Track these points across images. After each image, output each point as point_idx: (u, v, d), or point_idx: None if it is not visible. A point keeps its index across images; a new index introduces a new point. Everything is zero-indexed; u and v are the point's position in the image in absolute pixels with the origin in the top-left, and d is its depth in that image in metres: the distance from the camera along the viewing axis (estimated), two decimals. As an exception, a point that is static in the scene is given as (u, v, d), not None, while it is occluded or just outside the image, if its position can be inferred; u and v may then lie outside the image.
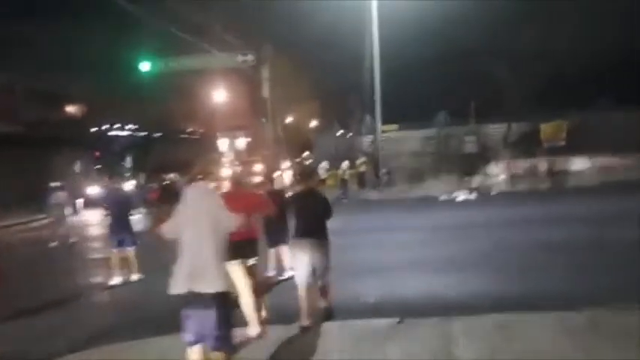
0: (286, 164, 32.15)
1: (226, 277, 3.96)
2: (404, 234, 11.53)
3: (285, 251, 7.76)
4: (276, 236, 7.81)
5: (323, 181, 22.78)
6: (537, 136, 25.12)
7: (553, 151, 23.95)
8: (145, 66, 22.98)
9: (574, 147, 23.78)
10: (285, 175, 11.81)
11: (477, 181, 21.65)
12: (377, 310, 6.18)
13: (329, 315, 5.70)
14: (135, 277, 8.69)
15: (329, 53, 25.31)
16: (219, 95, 34.29)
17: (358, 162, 23.74)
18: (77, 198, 22.00)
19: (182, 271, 3.71)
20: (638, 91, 23.98)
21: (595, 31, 24.02)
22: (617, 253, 7.89)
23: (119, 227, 8.74)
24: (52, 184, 20.60)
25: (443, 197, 18.88)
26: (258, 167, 31.53)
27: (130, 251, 8.72)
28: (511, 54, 25.95)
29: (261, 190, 7.63)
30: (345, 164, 21.27)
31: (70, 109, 35.09)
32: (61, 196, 20.23)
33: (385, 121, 24.37)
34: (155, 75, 24.80)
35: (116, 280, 8.57)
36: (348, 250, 9.37)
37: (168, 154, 33.01)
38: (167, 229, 3.93)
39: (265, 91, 23.84)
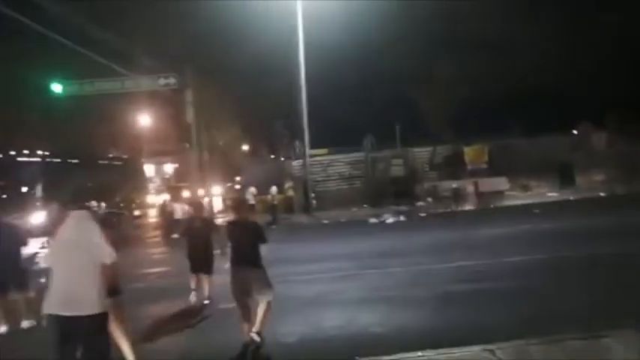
0: (215, 190, 31.18)
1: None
2: (331, 263, 11.07)
3: (205, 279, 8.17)
4: (199, 263, 8.19)
5: (252, 206, 22.09)
6: (461, 159, 25.87)
7: (476, 173, 24.74)
8: (57, 87, 21.49)
9: (495, 169, 24.74)
10: (213, 202, 11.45)
11: (404, 203, 21.85)
12: (297, 352, 5.69)
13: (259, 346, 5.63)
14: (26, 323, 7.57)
15: (258, 78, 25.16)
16: (143, 119, 33.03)
17: (286, 186, 23.27)
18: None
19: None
20: (546, 118, 25.63)
21: (511, 58, 25.38)
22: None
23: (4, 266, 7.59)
24: None
25: (372, 220, 18.79)
26: (186, 194, 30.41)
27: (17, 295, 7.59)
28: (432, 79, 26.85)
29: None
30: (274, 189, 20.73)
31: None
32: None
33: (314, 146, 24.21)
34: (68, 98, 23.34)
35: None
36: (289, 284, 8.88)
37: (86, 181, 30.96)
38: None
39: (189, 116, 22.96)
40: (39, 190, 27.21)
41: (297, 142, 23.81)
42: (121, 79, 22.18)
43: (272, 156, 32.93)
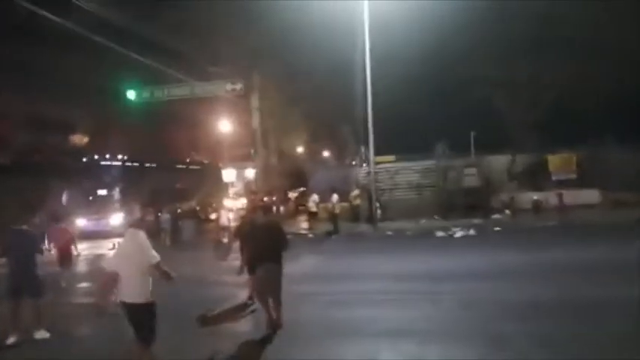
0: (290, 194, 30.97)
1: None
2: (376, 283, 10.04)
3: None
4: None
5: (314, 214, 21.44)
6: (544, 169, 23.61)
7: (562, 185, 22.44)
8: (131, 94, 22.31)
9: (584, 180, 22.31)
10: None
11: (477, 215, 20.16)
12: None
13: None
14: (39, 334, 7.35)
15: (324, 82, 24.30)
16: (220, 125, 33.44)
17: (352, 194, 22.35)
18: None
19: None
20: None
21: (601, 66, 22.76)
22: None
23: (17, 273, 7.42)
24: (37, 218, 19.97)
25: (439, 233, 17.41)
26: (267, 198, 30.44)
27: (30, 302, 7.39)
28: (513, 83, 24.76)
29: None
30: (335, 197, 19.89)
31: (64, 138, 34.63)
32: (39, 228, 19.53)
33: (382, 152, 23.14)
34: (142, 104, 24.12)
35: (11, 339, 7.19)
36: (322, 304, 8.47)
37: (162, 185, 32.07)
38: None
39: (254, 121, 22.83)
40: (117, 193, 28.36)
41: (363, 149, 22.83)
42: (190, 85, 22.53)
43: (338, 162, 32.27)
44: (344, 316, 7.78)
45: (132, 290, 5.13)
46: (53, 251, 11.88)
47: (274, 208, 28.13)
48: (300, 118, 27.13)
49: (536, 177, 23.73)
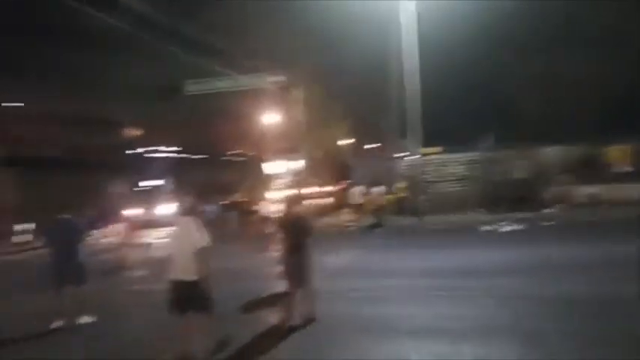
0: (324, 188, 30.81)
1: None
2: (412, 279, 9.77)
3: None
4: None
5: (358, 206, 21.19)
6: (601, 160, 22.36)
7: (619, 178, 21.19)
8: (180, 87, 22.85)
9: None
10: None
11: (527, 209, 19.36)
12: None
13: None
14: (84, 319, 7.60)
15: (368, 72, 23.95)
16: (266, 117, 33.62)
17: (397, 187, 21.98)
18: (110, 221, 21.87)
19: None
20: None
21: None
22: None
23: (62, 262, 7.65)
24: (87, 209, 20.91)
25: (485, 228, 16.83)
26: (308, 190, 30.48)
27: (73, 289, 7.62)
28: (566, 73, 23.56)
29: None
30: (379, 190, 19.59)
31: (113, 133, 35.89)
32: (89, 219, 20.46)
33: (427, 143, 22.57)
34: (194, 97, 24.64)
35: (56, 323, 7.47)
36: (357, 300, 8.35)
37: (207, 176, 32.70)
38: None
39: (297, 113, 22.81)
40: (168, 184, 29.17)
41: (408, 140, 22.36)
42: (233, 78, 22.78)
43: (383, 154, 31.74)
44: (378, 313, 7.60)
45: (186, 269, 5.69)
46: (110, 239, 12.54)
47: (317, 200, 28.18)
48: (343, 109, 26.88)
49: (591, 169, 22.53)
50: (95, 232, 21.34)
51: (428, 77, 20.83)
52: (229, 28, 21.75)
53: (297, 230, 7.18)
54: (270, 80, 22.43)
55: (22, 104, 32.75)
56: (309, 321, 7.06)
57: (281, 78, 22.02)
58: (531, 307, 7.31)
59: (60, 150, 34.41)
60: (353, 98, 25.24)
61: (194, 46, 20.02)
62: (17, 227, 21.21)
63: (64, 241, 7.69)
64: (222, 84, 23.22)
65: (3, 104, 31.46)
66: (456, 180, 22.50)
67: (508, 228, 16.29)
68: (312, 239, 7.31)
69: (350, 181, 24.68)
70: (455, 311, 7.43)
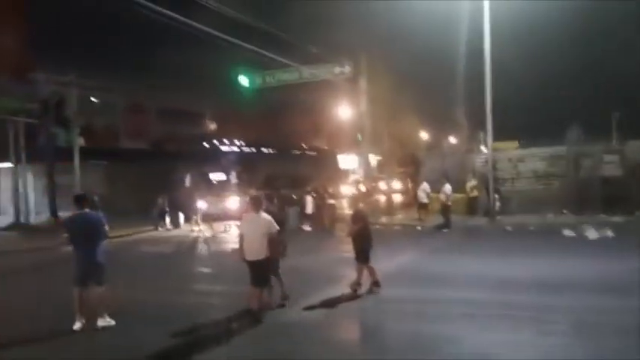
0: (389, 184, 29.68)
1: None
2: (475, 291, 8.58)
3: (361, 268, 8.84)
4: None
5: (424, 205, 19.95)
6: None
7: None
8: (243, 81, 22.73)
9: None
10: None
11: (619, 211, 17.21)
12: None
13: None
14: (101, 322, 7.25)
15: (437, 62, 22.53)
16: (336, 111, 33.00)
17: (468, 185, 20.43)
18: (183, 212, 22.37)
19: None
20: None
21: None
22: None
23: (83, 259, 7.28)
24: (159, 199, 21.51)
25: (568, 232, 15.06)
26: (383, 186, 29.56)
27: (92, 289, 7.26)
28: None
29: None
30: (448, 188, 18.21)
31: (191, 126, 36.97)
32: (160, 209, 21.05)
33: (502, 137, 20.83)
34: (256, 91, 24.47)
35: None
36: (405, 314, 7.42)
37: (277, 170, 32.64)
38: None
39: (362, 105, 21.89)
40: (234, 178, 29.35)
41: (480, 134, 20.71)
42: (298, 69, 22.25)
43: (454, 149, 30.00)
44: (423, 332, 6.59)
45: (254, 251, 7.18)
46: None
47: (386, 196, 27.15)
48: (412, 102, 25.59)
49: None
50: (168, 223, 21.92)
51: (503, 66, 19.07)
52: (295, 19, 21.23)
53: (358, 222, 8.74)
54: (337, 71, 21.61)
55: (112, 99, 34.68)
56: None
57: (347, 68, 21.12)
58: (620, 340, 5.99)
59: (143, 142, 36.05)
60: (425, 90, 23.89)
61: (260, 38, 19.63)
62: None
63: (83, 237, 7.28)
64: (287, 76, 22.76)
65: (93, 99, 33.29)
66: (536, 177, 20.52)
67: (595, 233, 14.43)
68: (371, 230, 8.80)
69: (419, 177, 23.46)
70: (519, 338, 6.27)
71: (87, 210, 7.42)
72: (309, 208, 19.18)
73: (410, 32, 20.86)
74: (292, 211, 21.44)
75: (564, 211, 18.55)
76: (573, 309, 7.24)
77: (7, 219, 25.76)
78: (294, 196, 22.04)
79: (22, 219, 25.73)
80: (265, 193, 10.45)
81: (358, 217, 8.95)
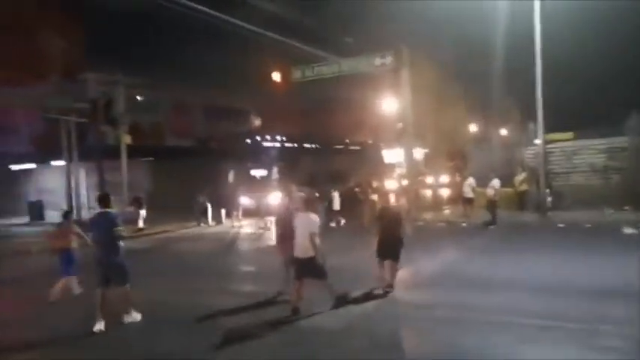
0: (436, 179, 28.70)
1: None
2: (524, 296, 7.86)
3: (391, 266, 8.70)
4: (386, 250, 8.65)
5: (469, 200, 19.05)
6: None
7: None
8: (276, 76, 22.49)
9: None
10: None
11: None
12: None
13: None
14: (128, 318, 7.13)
15: (483, 51, 21.42)
16: (379, 104, 32.36)
17: (517, 179, 19.34)
18: (225, 208, 22.50)
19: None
20: None
21: None
22: None
23: (103, 261, 7.19)
24: (200, 197, 21.72)
25: (628, 230, 13.88)
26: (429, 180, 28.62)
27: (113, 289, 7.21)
28: None
29: None
30: (496, 182, 17.25)
31: (235, 123, 37.23)
32: (201, 206, 21.22)
33: (556, 128, 19.57)
34: (298, 84, 24.18)
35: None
36: (435, 321, 6.90)
37: (319, 165, 32.34)
38: None
39: (406, 95, 21.09)
40: (275, 173, 29.28)
41: (531, 125, 19.52)
42: (337, 62, 21.76)
43: (502, 141, 28.57)
44: (458, 343, 6.03)
45: (304, 248, 7.50)
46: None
47: (433, 191, 26.30)
48: (459, 93, 24.51)
49: None
50: (210, 219, 22.10)
51: (555, 53, 17.81)
52: (333, 13, 20.74)
53: (389, 220, 8.63)
54: (378, 63, 20.93)
55: (158, 98, 35.48)
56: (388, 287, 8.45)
57: (388, 59, 20.41)
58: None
59: (188, 139, 36.68)
60: (472, 81, 22.80)
61: (298, 31, 19.32)
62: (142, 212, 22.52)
63: (104, 236, 7.21)
64: (326, 69, 22.29)
65: (139, 97, 34.12)
66: (592, 171, 19.17)
67: (660, 232, 13.24)
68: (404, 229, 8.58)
69: (467, 171, 22.50)
70: (565, 354, 5.60)
71: (109, 210, 7.34)
72: (337, 204, 18.73)
73: (455, 21, 19.93)
74: (318, 208, 21.06)
75: (625, 208, 17.18)
76: (633, 321, 6.44)
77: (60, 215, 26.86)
78: (317, 194, 21.59)
79: (74, 215, 26.77)
80: (288, 189, 10.29)
81: (384, 214, 8.87)
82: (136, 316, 7.26)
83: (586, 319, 6.62)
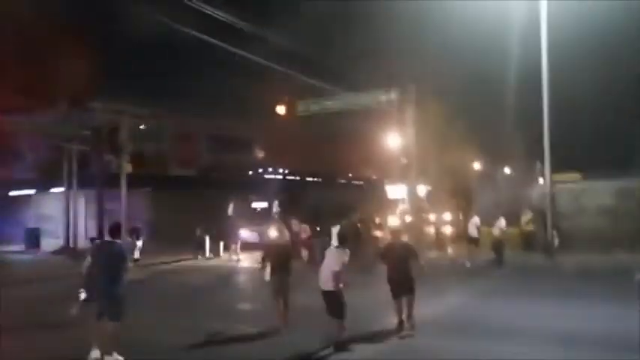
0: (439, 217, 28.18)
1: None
2: (565, 350, 7.25)
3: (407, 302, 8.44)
4: (401, 287, 8.41)
5: (474, 240, 18.52)
6: None
7: None
8: (281, 109, 22.49)
9: None
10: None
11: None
12: None
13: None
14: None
15: (488, 93, 21.37)
16: (383, 139, 32.28)
17: (523, 219, 18.92)
18: (224, 241, 22.09)
19: None
20: None
21: None
22: None
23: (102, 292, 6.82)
24: (198, 229, 21.32)
25: (640, 276, 13.30)
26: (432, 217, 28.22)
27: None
28: None
29: None
30: (502, 222, 16.83)
31: (239, 153, 37.12)
32: (199, 238, 20.76)
33: (561, 168, 19.24)
34: (303, 118, 24.16)
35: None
36: None
37: (321, 200, 31.96)
38: None
39: (411, 131, 20.92)
40: (276, 206, 28.88)
41: (538, 164, 19.23)
42: (343, 97, 21.73)
43: (508, 181, 28.26)
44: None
45: (327, 283, 7.55)
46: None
47: (436, 229, 25.77)
48: (464, 131, 24.35)
49: None
50: (207, 252, 21.63)
51: (563, 93, 17.69)
52: (337, 45, 20.82)
53: (399, 256, 8.44)
54: (383, 99, 20.88)
55: (161, 126, 35.48)
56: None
57: (393, 95, 20.35)
58: None
59: (191, 169, 36.51)
60: (478, 119, 22.66)
61: (304, 65, 19.37)
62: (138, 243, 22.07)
63: (107, 267, 6.89)
64: (331, 104, 22.25)
65: (142, 126, 34.15)
66: (600, 213, 18.70)
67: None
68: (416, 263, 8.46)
69: (471, 209, 22.10)
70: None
71: (116, 240, 7.19)
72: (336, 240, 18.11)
73: (462, 57, 19.94)
74: (319, 242, 20.41)
75: (636, 251, 16.64)
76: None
77: (58, 242, 26.41)
78: (318, 228, 21.10)
79: (71, 243, 26.31)
80: (277, 223, 11.02)
81: (388, 251, 8.81)
82: (118, 358, 6.78)
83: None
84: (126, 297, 7.00)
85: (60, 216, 27.09)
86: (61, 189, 27.11)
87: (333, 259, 7.69)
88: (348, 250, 7.81)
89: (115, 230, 7.29)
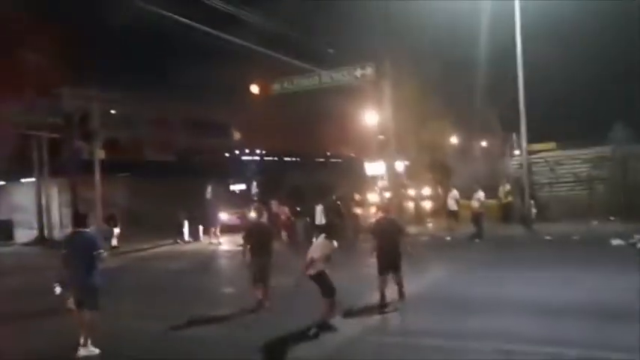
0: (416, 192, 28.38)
1: None
2: (543, 321, 7.16)
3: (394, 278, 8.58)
4: (388, 264, 8.48)
5: (454, 213, 18.64)
6: None
7: None
8: (255, 88, 22.08)
9: None
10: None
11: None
12: None
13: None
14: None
15: (464, 61, 21.26)
16: (364, 116, 32.06)
17: (501, 190, 19.07)
18: (203, 225, 21.82)
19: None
20: None
21: None
22: None
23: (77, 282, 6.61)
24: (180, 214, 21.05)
25: (616, 242, 13.58)
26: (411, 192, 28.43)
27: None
28: None
29: None
30: (480, 195, 16.90)
31: (216, 136, 36.57)
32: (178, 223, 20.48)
33: (537, 139, 19.40)
34: (280, 97, 23.82)
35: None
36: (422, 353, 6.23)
37: (299, 179, 31.77)
38: None
39: (388, 107, 20.76)
40: (254, 188, 28.62)
41: (514, 136, 19.32)
42: (317, 74, 21.40)
43: (485, 153, 28.50)
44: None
45: (305, 268, 7.42)
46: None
47: (415, 204, 25.91)
48: (440, 105, 24.32)
49: None
50: (186, 236, 21.38)
51: (537, 63, 17.68)
52: (312, 21, 20.43)
53: (388, 232, 8.47)
54: (357, 73, 20.62)
55: (136, 112, 34.66)
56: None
57: (368, 70, 20.10)
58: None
59: (168, 153, 35.90)
60: (454, 93, 22.60)
61: (277, 42, 18.93)
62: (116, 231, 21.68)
63: (80, 257, 6.66)
64: (307, 81, 21.90)
65: (112, 111, 33.27)
66: (577, 182, 18.95)
67: (647, 243, 12.94)
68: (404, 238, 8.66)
69: (449, 183, 22.22)
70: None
71: (86, 229, 7.01)
72: (320, 219, 17.90)
73: (436, 33, 19.72)
74: (299, 223, 20.33)
75: (611, 218, 16.96)
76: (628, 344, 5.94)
77: (32, 233, 25.79)
78: (299, 208, 20.97)
79: (46, 234, 25.71)
80: (256, 205, 10.92)
81: (377, 227, 8.83)
82: (93, 351, 6.57)
83: (596, 344, 6.09)
84: (102, 286, 6.79)
85: (33, 206, 26.39)
86: (33, 179, 26.36)
87: (317, 247, 7.56)
88: (335, 243, 7.59)
89: (80, 219, 7.12)
